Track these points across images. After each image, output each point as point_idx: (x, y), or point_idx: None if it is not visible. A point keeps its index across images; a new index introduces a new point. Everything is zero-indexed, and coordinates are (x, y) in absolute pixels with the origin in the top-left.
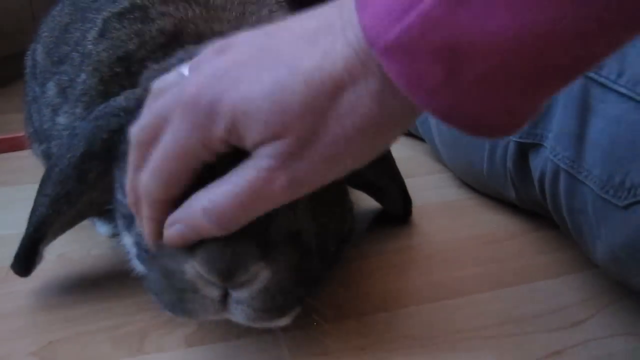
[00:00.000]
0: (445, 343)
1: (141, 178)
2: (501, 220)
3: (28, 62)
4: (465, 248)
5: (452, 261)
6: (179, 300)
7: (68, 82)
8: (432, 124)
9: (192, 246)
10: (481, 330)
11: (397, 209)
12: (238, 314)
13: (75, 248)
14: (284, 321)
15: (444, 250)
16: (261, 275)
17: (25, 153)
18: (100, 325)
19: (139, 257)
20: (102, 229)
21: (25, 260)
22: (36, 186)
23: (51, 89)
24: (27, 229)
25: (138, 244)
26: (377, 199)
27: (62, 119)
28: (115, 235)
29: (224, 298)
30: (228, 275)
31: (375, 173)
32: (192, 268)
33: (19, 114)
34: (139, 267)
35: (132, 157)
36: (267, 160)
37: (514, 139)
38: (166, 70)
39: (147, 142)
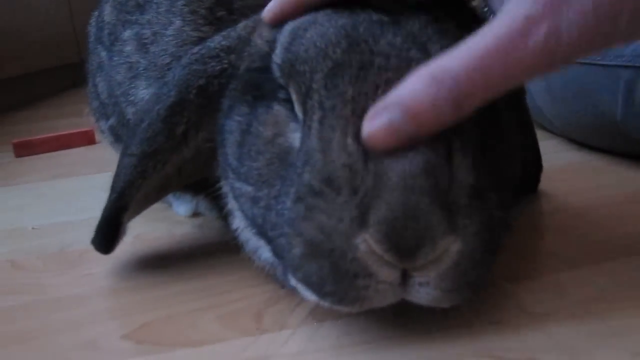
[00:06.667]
0: None
1: None
2: None
3: (91, 29)
4: (619, 205)
5: (614, 219)
6: (346, 288)
7: (152, 37)
8: (539, 90)
9: (363, 216)
10: None
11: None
12: (421, 297)
13: (153, 228)
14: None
15: (599, 206)
16: (451, 250)
17: (79, 150)
18: (200, 304)
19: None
20: (180, 208)
21: (108, 233)
22: (95, 177)
23: (128, 43)
24: (110, 196)
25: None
26: None
27: (143, 83)
28: (196, 214)
29: (404, 279)
30: (411, 255)
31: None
32: (364, 243)
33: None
34: (266, 256)
35: None
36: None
37: None
38: None
39: None
